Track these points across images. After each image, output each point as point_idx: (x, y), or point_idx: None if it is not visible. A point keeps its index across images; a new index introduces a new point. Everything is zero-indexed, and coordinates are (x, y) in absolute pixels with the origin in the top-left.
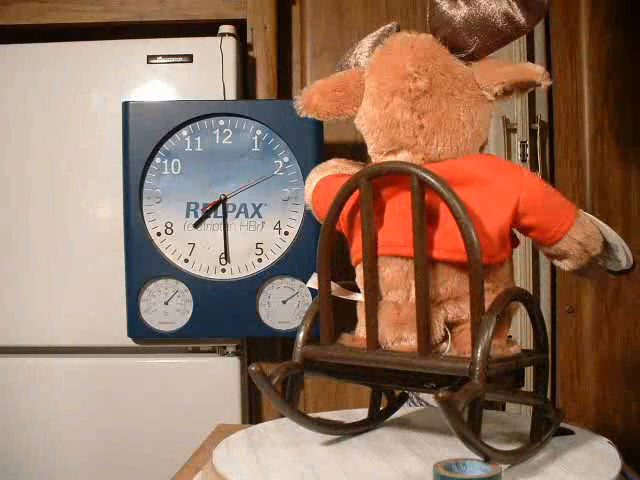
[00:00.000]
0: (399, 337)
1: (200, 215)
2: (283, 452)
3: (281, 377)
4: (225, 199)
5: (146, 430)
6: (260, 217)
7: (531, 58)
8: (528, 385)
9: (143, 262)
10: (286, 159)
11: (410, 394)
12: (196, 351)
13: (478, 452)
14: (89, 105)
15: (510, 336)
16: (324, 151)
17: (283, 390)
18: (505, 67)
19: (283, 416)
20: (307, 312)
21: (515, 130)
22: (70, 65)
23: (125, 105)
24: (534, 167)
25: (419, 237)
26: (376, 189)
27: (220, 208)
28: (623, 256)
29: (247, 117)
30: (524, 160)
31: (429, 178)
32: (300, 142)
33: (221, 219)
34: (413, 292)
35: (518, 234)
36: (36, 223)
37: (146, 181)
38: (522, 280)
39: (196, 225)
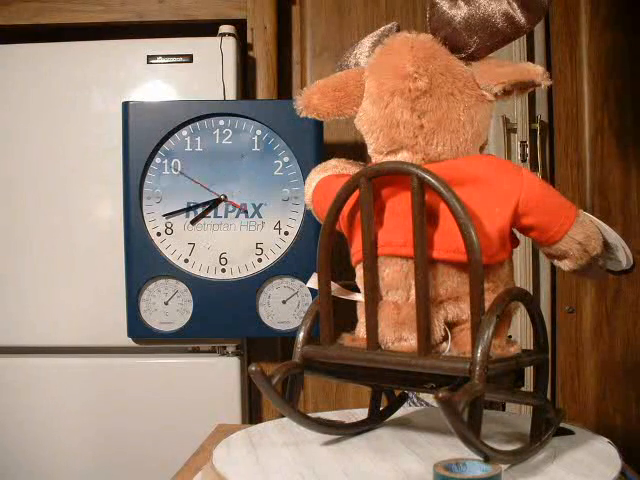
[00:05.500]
0: (399, 337)
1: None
2: (283, 452)
3: (281, 377)
4: (225, 199)
5: (146, 430)
6: (260, 217)
7: (531, 58)
8: (528, 385)
9: (143, 262)
10: (286, 159)
11: (410, 394)
12: (196, 351)
13: (478, 452)
14: (89, 105)
15: (510, 336)
16: (324, 151)
17: (283, 390)
18: (505, 67)
19: (283, 416)
20: (307, 312)
21: (515, 130)
22: (70, 65)
23: (125, 105)
24: (534, 167)
25: (419, 237)
26: (376, 189)
27: (220, 208)
28: (623, 256)
29: (247, 117)
30: (524, 160)
31: (429, 178)
32: (300, 142)
33: (221, 219)
34: (413, 292)
35: (518, 234)
36: (36, 223)
37: (146, 181)
38: (522, 280)
39: (193, 222)
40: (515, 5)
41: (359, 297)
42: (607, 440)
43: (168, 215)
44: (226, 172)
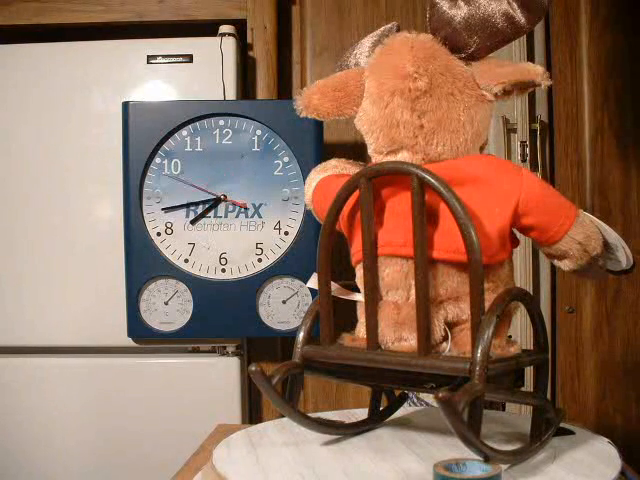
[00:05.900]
0: (399, 337)
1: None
2: (283, 452)
3: (281, 377)
4: (225, 199)
5: (146, 430)
6: (260, 217)
7: (531, 58)
8: (528, 385)
9: (143, 262)
10: (286, 159)
11: (410, 394)
12: (196, 351)
13: (478, 452)
14: (89, 105)
15: (510, 336)
16: (324, 151)
17: (283, 390)
18: (505, 67)
19: (283, 416)
20: (307, 312)
21: (515, 130)
22: (70, 65)
23: (125, 105)
24: (534, 167)
25: (419, 237)
26: (376, 189)
27: (220, 208)
28: (623, 256)
29: (247, 117)
30: (524, 160)
31: (429, 178)
32: (300, 142)
33: (221, 219)
34: (413, 292)
35: (518, 234)
36: (36, 223)
37: (146, 181)
38: (522, 280)
39: (193, 222)
40: (515, 5)
41: (359, 297)
42: (607, 440)
43: (167, 209)
44: (226, 172)
